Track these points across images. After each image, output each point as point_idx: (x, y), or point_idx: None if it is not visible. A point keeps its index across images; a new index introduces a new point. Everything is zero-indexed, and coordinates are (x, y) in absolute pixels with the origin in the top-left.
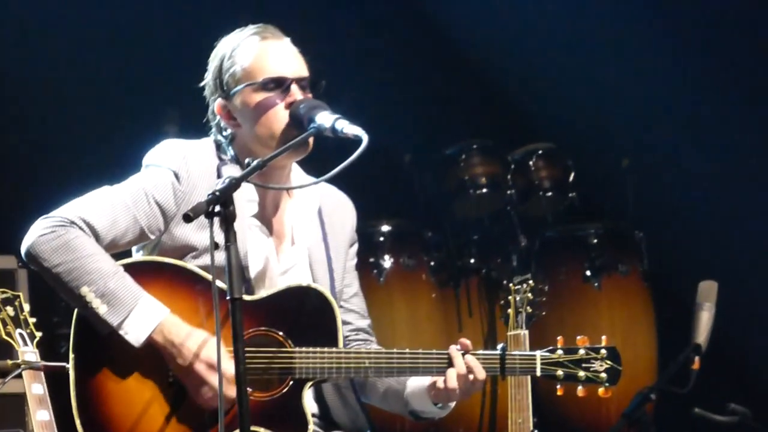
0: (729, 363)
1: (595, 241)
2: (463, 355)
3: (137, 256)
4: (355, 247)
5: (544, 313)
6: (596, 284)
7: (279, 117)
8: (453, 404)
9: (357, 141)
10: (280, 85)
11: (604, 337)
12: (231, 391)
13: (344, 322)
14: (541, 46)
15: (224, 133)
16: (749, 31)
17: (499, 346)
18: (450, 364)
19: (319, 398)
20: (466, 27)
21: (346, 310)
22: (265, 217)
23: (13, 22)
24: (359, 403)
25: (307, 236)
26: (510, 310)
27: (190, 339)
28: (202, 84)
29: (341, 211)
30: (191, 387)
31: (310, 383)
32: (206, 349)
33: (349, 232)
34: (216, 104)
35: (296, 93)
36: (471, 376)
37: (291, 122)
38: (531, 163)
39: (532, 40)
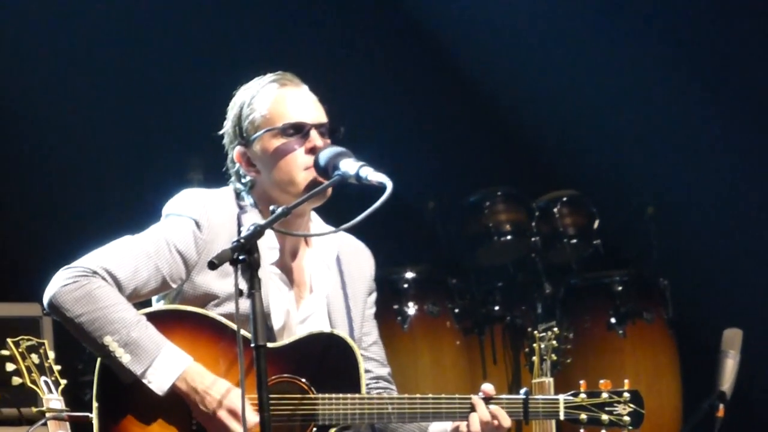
0: (754, 411)
1: (620, 288)
2: (486, 401)
3: (158, 305)
4: (374, 295)
5: (569, 361)
6: (621, 332)
7: (299, 162)
8: None
9: (381, 188)
10: (299, 130)
11: (626, 381)
12: None
13: (365, 371)
14: (565, 93)
15: (243, 180)
16: None
17: (522, 391)
18: (473, 409)
19: None
20: (491, 73)
21: (366, 359)
22: (285, 265)
23: (38, 67)
24: None
25: (326, 284)
26: (535, 358)
27: (214, 387)
28: (221, 132)
29: (359, 259)
30: None
31: (333, 429)
32: (229, 397)
33: (368, 280)
34: (235, 152)
35: (315, 139)
36: (495, 422)
37: (315, 168)
38: (555, 210)
39: (557, 88)
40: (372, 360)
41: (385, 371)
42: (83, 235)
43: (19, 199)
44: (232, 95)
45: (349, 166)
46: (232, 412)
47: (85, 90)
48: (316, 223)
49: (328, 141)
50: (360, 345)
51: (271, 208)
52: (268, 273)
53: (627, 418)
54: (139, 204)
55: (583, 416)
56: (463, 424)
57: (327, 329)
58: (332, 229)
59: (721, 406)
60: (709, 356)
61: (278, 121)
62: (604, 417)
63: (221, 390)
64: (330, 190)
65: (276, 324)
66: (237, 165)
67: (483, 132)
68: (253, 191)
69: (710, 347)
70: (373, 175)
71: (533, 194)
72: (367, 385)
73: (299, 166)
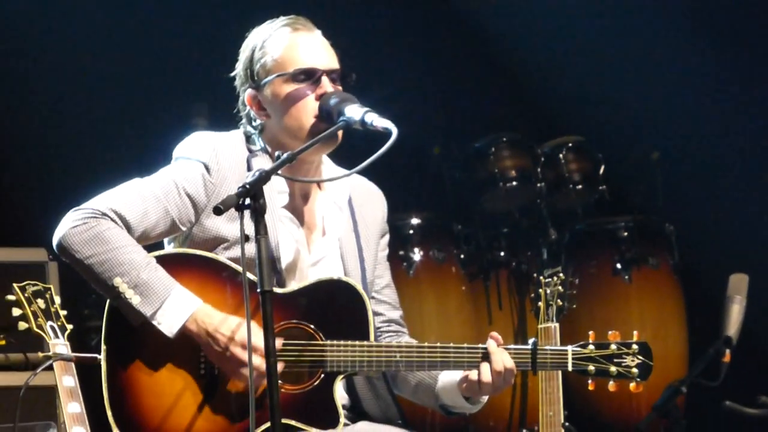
0: (760, 356)
1: (626, 234)
2: None
3: (168, 248)
4: (387, 237)
5: (574, 306)
6: (626, 277)
7: (309, 109)
8: (484, 400)
9: (386, 134)
10: (310, 76)
11: (635, 332)
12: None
13: (376, 314)
14: (571, 40)
15: (254, 124)
16: None
17: (530, 341)
18: (483, 358)
19: (350, 389)
20: (495, 21)
21: (377, 302)
22: (296, 208)
23: (45, 17)
24: (391, 395)
25: (338, 227)
26: (540, 303)
27: (224, 325)
28: (232, 74)
29: (372, 201)
30: (229, 371)
31: (341, 376)
32: (241, 333)
33: (380, 222)
34: (246, 95)
35: (326, 85)
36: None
37: (320, 115)
38: (561, 156)
39: (561, 35)
40: (384, 303)
41: (397, 314)
42: (90, 179)
43: (25, 144)
44: (243, 37)
45: (354, 111)
46: (245, 347)
47: (91, 36)
48: (328, 167)
49: (339, 87)
50: (372, 287)
51: (276, 153)
52: (278, 216)
53: (635, 370)
54: (146, 147)
55: (592, 368)
56: (473, 373)
57: (336, 276)
58: (340, 173)
59: (727, 351)
60: (715, 301)
61: (289, 67)
62: (613, 369)
63: (232, 326)
64: (340, 136)
65: (285, 264)
66: (247, 108)
67: (488, 78)
68: (263, 135)
69: (716, 292)
70: (378, 120)
71: (538, 140)
72: (378, 328)
73: (309, 112)
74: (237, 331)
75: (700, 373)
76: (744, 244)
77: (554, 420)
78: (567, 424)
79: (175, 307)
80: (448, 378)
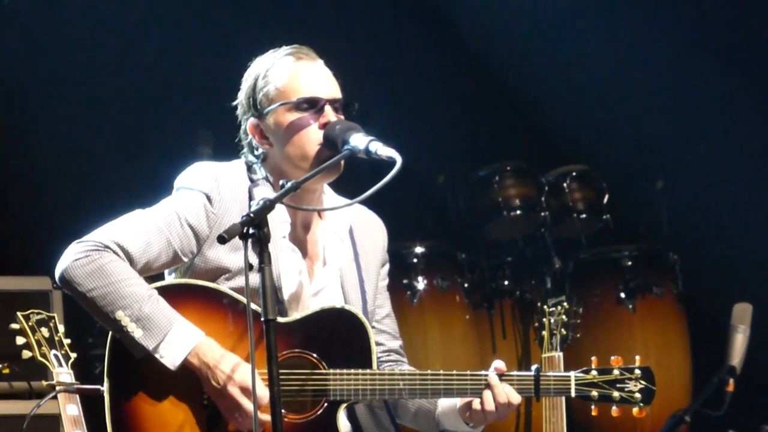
0: (763, 385)
1: (630, 263)
2: (498, 378)
3: (170, 278)
4: (387, 267)
5: (578, 335)
6: (630, 306)
7: (312, 137)
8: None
9: (391, 163)
10: (313, 105)
11: (637, 357)
12: (264, 416)
13: (376, 343)
14: (575, 68)
15: (256, 153)
16: None
17: (533, 367)
18: (486, 386)
19: (352, 418)
20: (501, 50)
21: (378, 331)
22: (297, 238)
23: (49, 43)
24: (393, 424)
25: (339, 257)
26: (544, 332)
27: (224, 362)
28: (234, 103)
29: (372, 231)
30: (225, 410)
31: (344, 405)
32: (239, 373)
33: (381, 251)
34: (248, 123)
35: (329, 114)
36: (507, 400)
37: (324, 143)
38: (565, 185)
39: (565, 63)
40: (384, 333)
41: (396, 344)
42: (94, 209)
43: (30, 173)
44: (247, 66)
45: (359, 140)
46: (243, 388)
47: (95, 64)
48: (329, 196)
49: (342, 117)
50: (373, 317)
51: (281, 182)
52: (280, 246)
53: (638, 395)
54: (149, 178)
55: (594, 393)
56: (475, 401)
57: (338, 304)
58: (341, 204)
59: (731, 380)
60: (719, 331)
61: (292, 96)
62: (615, 394)
63: (231, 365)
64: (342, 165)
65: (287, 294)
66: (250, 137)
67: (493, 107)
68: (265, 164)
69: (720, 322)
70: (382, 149)
71: (543, 169)
72: (378, 358)
73: (312, 141)
74: (236, 369)
75: (704, 402)
76: (748, 274)
77: None
78: None
79: (177, 341)
80: (448, 403)
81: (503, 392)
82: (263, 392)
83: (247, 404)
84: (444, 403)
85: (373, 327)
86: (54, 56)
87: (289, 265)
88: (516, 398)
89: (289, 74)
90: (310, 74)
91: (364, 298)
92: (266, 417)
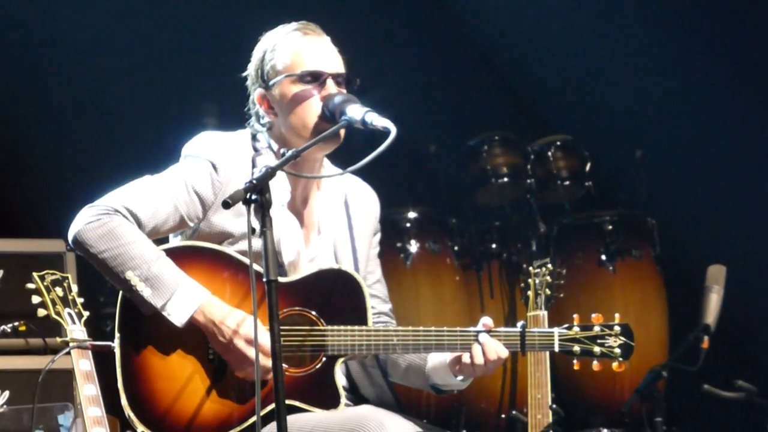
0: (736, 342)
1: (610, 227)
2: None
3: (175, 240)
4: (378, 236)
5: (561, 295)
6: (611, 268)
7: (313, 109)
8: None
9: (386, 132)
10: (316, 78)
11: (617, 315)
12: (268, 364)
13: None
14: (560, 43)
15: (262, 122)
16: (763, 25)
17: (519, 324)
18: (475, 341)
19: (348, 376)
20: (489, 24)
21: (369, 296)
22: (295, 206)
23: (60, 17)
24: (386, 381)
25: (333, 226)
26: (530, 292)
27: (230, 318)
28: (244, 74)
29: (366, 202)
30: (232, 362)
31: (341, 359)
32: (245, 327)
33: (373, 222)
34: (256, 93)
35: (331, 87)
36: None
37: (323, 115)
38: (550, 153)
39: (550, 37)
40: (375, 297)
41: (386, 307)
42: (105, 175)
43: (44, 141)
44: (251, 43)
45: (356, 111)
46: (248, 341)
47: (104, 36)
48: (327, 168)
49: (344, 90)
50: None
51: (282, 150)
52: (280, 213)
53: (618, 350)
54: (157, 146)
55: (576, 348)
56: (465, 355)
57: (336, 266)
58: (339, 171)
59: (706, 338)
60: (695, 291)
61: (297, 68)
62: (596, 349)
63: (237, 320)
64: (342, 135)
65: (286, 260)
66: (257, 106)
67: (482, 80)
68: (270, 133)
69: (695, 282)
70: (378, 120)
71: (529, 139)
72: None
73: (313, 112)
74: (242, 324)
75: (680, 358)
76: (722, 237)
77: (542, 402)
78: (554, 406)
79: (183, 299)
80: (437, 358)
81: (493, 349)
82: (266, 345)
83: (253, 355)
84: (434, 359)
85: None
86: (64, 28)
87: (288, 230)
88: (504, 352)
89: (296, 48)
90: (315, 49)
91: (356, 265)
92: (270, 366)
